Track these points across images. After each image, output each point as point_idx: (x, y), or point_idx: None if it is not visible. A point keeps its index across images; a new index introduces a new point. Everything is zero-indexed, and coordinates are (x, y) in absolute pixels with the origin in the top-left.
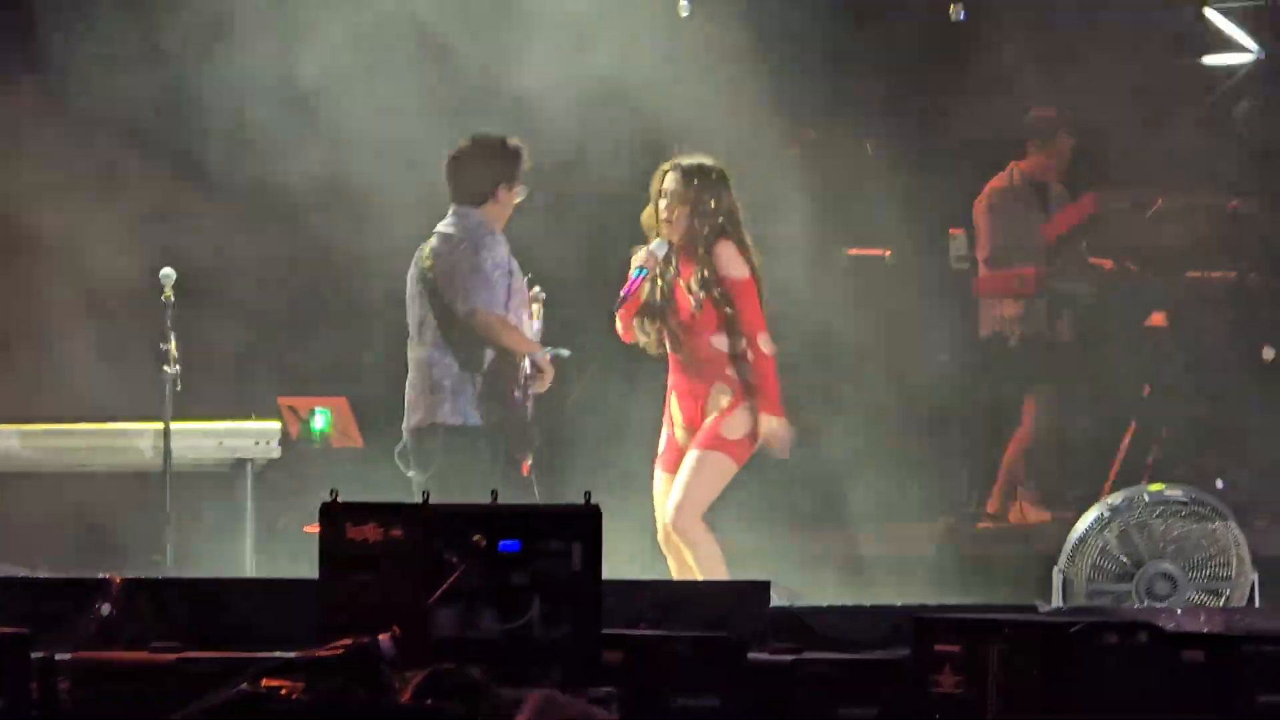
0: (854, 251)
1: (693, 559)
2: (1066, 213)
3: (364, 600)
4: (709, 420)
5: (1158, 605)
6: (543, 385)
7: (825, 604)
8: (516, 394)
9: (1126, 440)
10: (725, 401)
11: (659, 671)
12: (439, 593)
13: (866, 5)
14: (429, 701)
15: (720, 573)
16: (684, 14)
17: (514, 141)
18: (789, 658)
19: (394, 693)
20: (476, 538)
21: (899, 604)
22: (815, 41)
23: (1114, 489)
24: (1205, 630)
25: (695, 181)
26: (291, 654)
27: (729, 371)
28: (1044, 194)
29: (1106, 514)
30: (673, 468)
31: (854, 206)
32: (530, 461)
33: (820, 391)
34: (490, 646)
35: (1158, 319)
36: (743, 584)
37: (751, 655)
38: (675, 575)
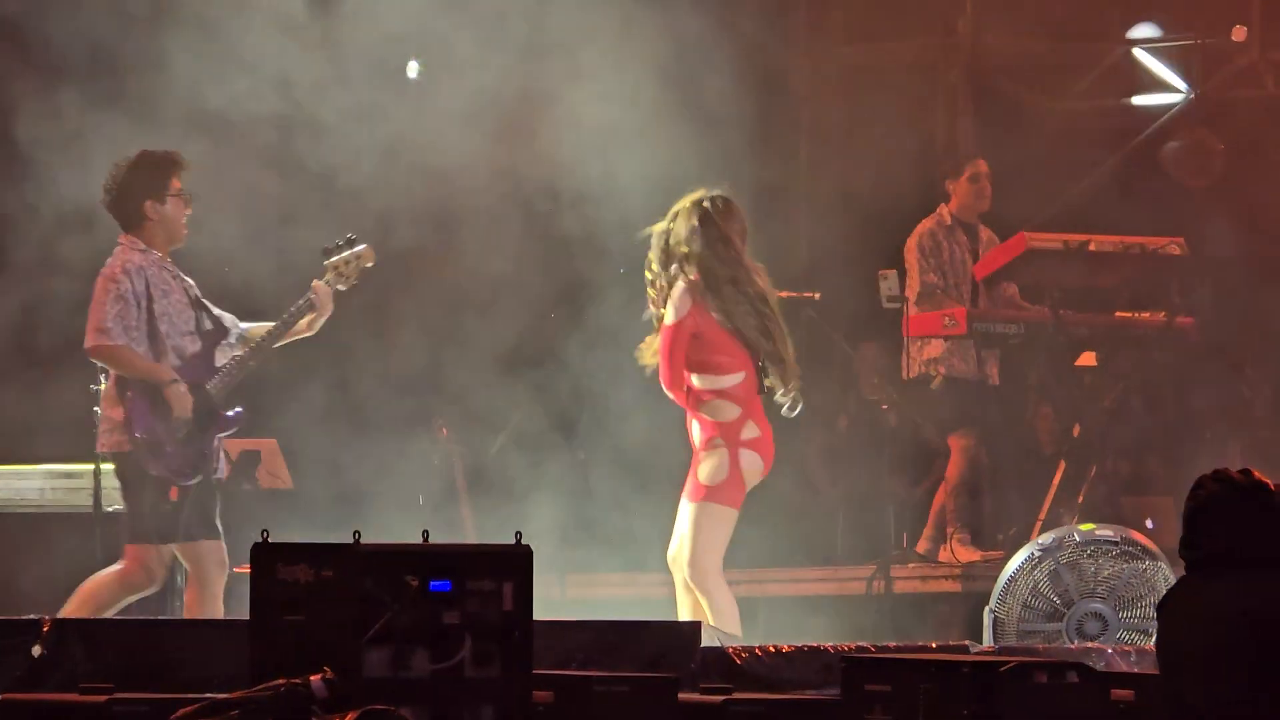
0: (783, 294)
1: (707, 608)
2: (995, 253)
3: (295, 640)
4: (691, 465)
5: (1088, 644)
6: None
7: (756, 644)
8: (162, 420)
9: (1057, 480)
10: (699, 440)
11: (590, 711)
12: (370, 633)
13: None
14: None
15: (732, 625)
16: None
17: (157, 152)
18: (720, 698)
19: None
20: (408, 578)
21: (830, 644)
22: (741, 80)
23: (1044, 529)
24: (1136, 669)
25: (668, 228)
26: (223, 695)
27: (700, 411)
28: (973, 234)
29: (1037, 554)
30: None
31: (782, 248)
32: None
33: None
34: (421, 686)
35: (1088, 359)
36: (675, 624)
37: (682, 696)
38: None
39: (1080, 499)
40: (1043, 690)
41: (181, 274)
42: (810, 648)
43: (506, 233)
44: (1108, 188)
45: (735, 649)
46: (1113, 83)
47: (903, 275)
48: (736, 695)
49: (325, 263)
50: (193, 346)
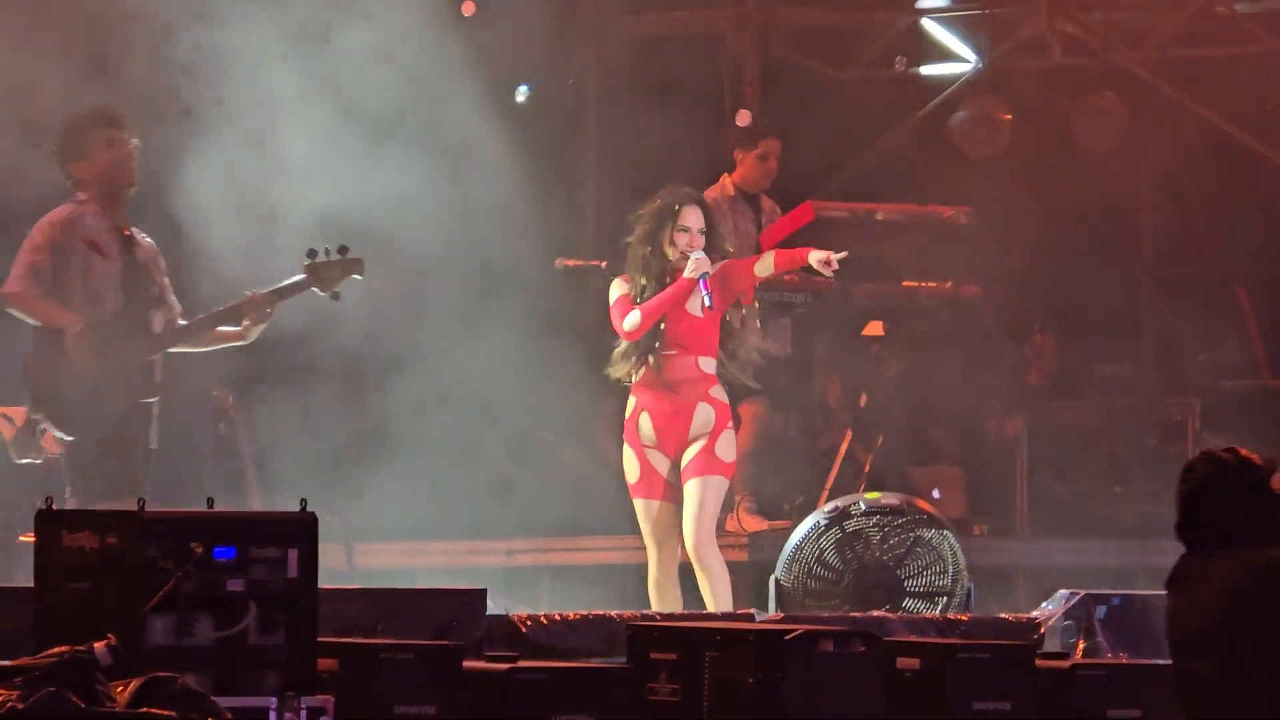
0: (568, 262)
1: (709, 582)
2: (782, 222)
3: (79, 608)
4: (700, 444)
5: (874, 613)
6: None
7: (542, 613)
8: (63, 371)
9: (843, 449)
10: (711, 423)
11: (375, 679)
12: (154, 601)
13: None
14: (144, 709)
15: (727, 595)
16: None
17: (75, 114)
18: (505, 666)
19: (109, 701)
20: (192, 545)
21: (615, 613)
22: (528, 49)
23: (830, 498)
24: (921, 638)
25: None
26: (4, 662)
27: (713, 393)
28: (755, 205)
29: (823, 522)
30: (660, 494)
31: (569, 217)
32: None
33: (540, 400)
34: (205, 654)
35: (874, 328)
36: (460, 592)
37: (468, 663)
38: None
39: (867, 468)
40: (828, 658)
41: (139, 235)
42: (596, 616)
43: None
44: (895, 157)
45: (520, 616)
46: (901, 52)
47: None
48: (522, 663)
49: (305, 263)
50: (114, 301)
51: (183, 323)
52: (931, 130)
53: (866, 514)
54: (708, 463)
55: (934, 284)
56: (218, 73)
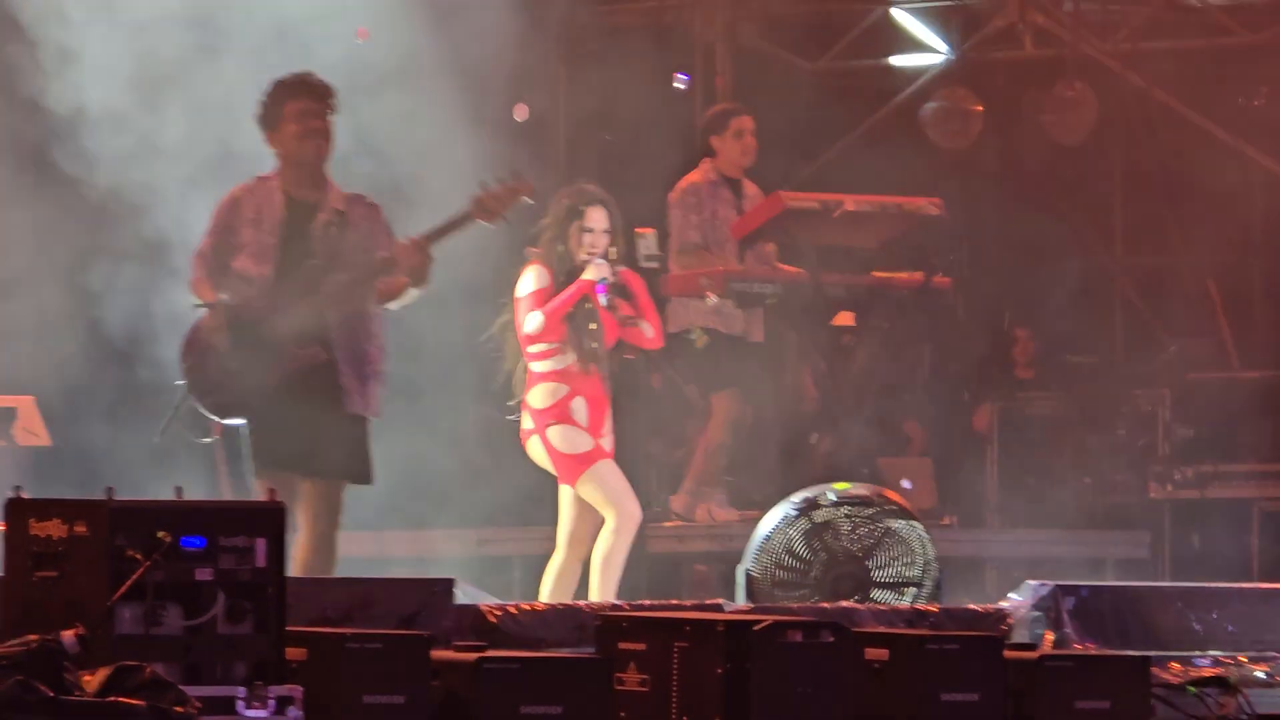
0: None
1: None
2: (753, 213)
3: (48, 597)
4: (610, 444)
5: (843, 603)
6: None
7: (511, 603)
8: (209, 347)
9: (813, 440)
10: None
11: (343, 668)
12: (122, 590)
13: None
14: (112, 698)
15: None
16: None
17: (275, 83)
18: (474, 655)
19: (77, 690)
20: (161, 534)
21: (584, 603)
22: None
23: (800, 488)
24: (889, 629)
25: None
26: None
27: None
28: (737, 190)
29: (792, 513)
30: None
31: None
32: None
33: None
34: (174, 643)
35: (845, 319)
36: (428, 581)
37: (436, 653)
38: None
39: (838, 459)
40: (797, 649)
41: (338, 201)
42: (565, 606)
43: None
44: (866, 148)
45: (489, 606)
46: (872, 43)
47: (663, 234)
48: (490, 653)
49: (474, 195)
50: (263, 276)
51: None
52: (902, 121)
53: (835, 504)
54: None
55: (904, 275)
56: None
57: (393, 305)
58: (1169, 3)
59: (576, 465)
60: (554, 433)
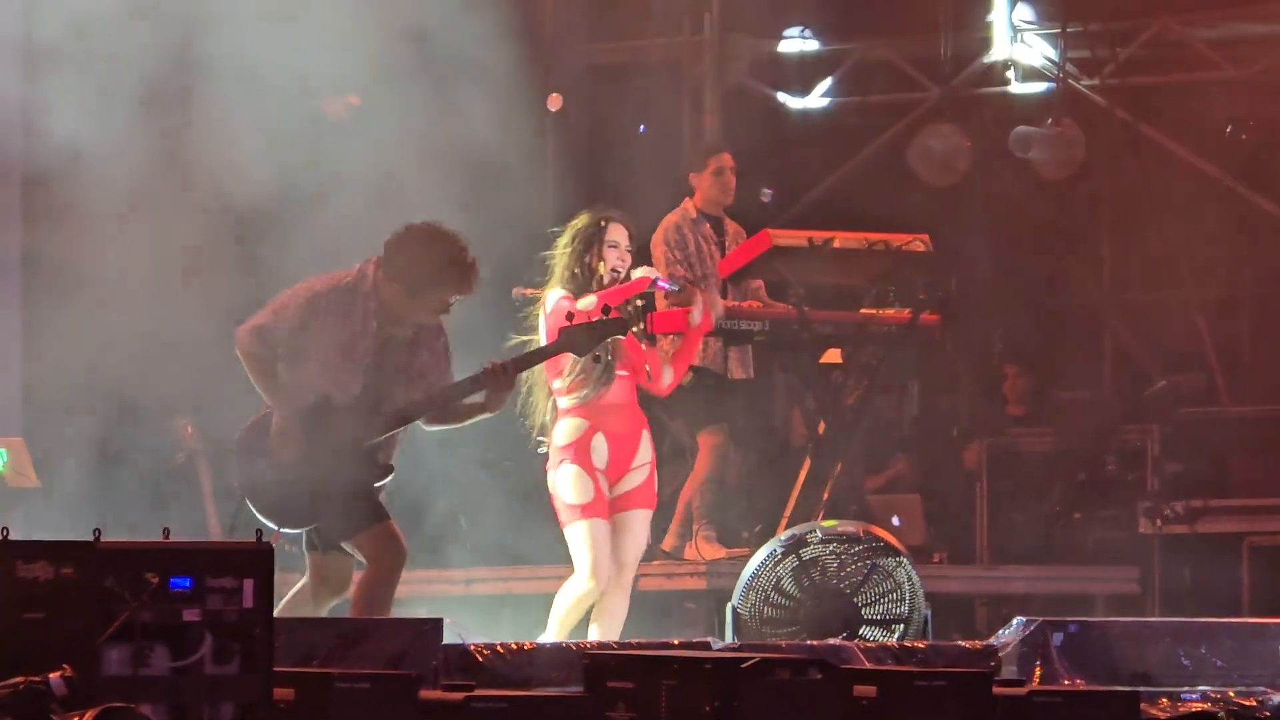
0: (525, 291)
1: (612, 618)
2: (740, 250)
3: (35, 638)
4: (643, 477)
5: (831, 641)
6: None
7: (499, 642)
8: (268, 450)
9: (802, 477)
10: (650, 453)
11: (331, 708)
12: (109, 631)
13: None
14: None
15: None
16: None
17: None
18: (461, 695)
19: None
20: (148, 575)
21: (573, 642)
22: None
23: (789, 526)
24: (878, 666)
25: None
26: None
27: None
28: (719, 227)
29: (780, 550)
30: (607, 514)
31: (527, 247)
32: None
33: (500, 430)
34: (161, 684)
35: (833, 356)
36: (416, 621)
37: (424, 693)
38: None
39: (825, 495)
40: (785, 687)
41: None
42: (553, 645)
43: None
44: (855, 185)
45: (477, 646)
46: (859, 80)
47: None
48: (479, 692)
49: (564, 327)
50: (353, 382)
51: (412, 401)
52: (890, 158)
53: (823, 542)
54: (651, 497)
55: (893, 312)
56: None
57: (455, 425)
58: (1156, 38)
59: (571, 512)
60: (563, 471)
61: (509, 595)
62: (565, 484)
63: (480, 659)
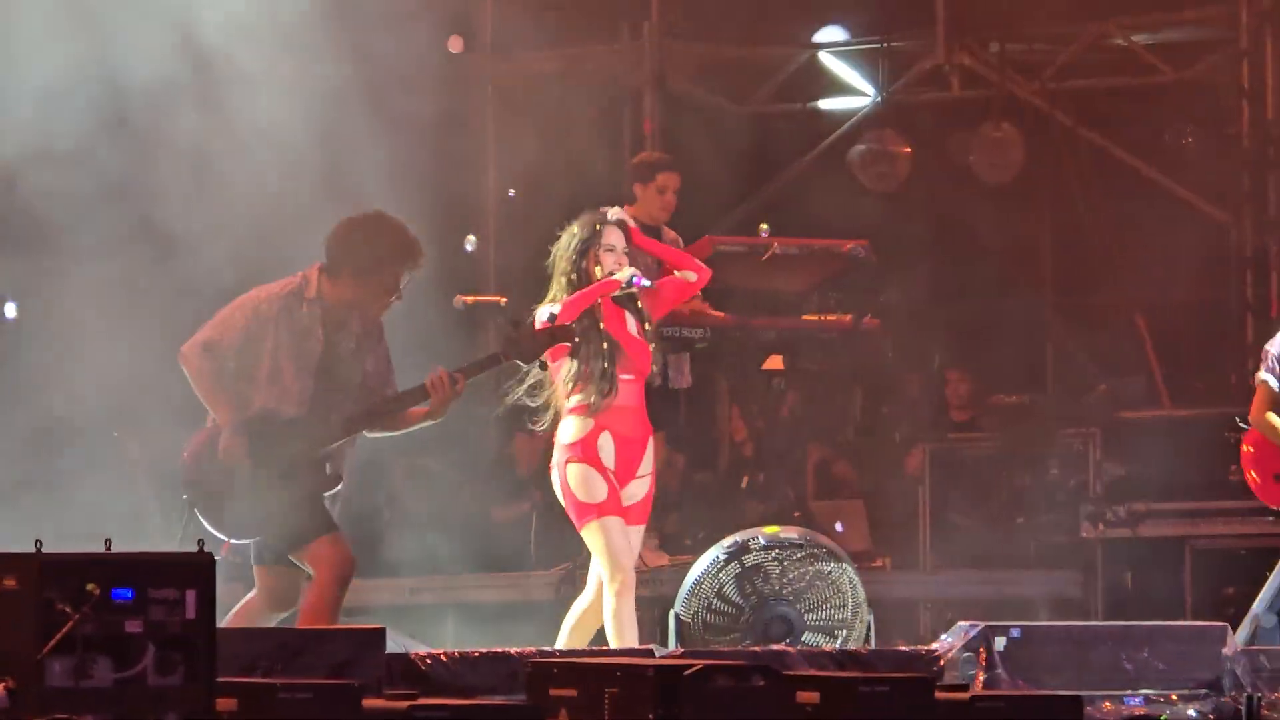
0: (469, 299)
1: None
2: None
3: None
4: (644, 490)
5: (774, 647)
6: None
7: (442, 650)
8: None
9: (745, 484)
10: (652, 463)
11: (274, 718)
12: (52, 643)
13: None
14: None
15: None
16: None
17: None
18: (405, 704)
19: None
20: (90, 586)
21: (515, 650)
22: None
23: (731, 532)
24: (820, 672)
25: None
26: None
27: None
28: (657, 236)
29: (722, 557)
30: (633, 518)
31: (469, 254)
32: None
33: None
34: (104, 695)
35: (775, 362)
36: (358, 630)
37: (367, 702)
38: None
39: (768, 502)
40: (728, 693)
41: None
42: (496, 653)
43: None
44: (795, 191)
45: (419, 655)
46: (799, 87)
47: None
48: (422, 701)
49: (507, 335)
50: (301, 391)
51: (357, 411)
52: (830, 164)
53: (766, 548)
54: (646, 513)
55: (834, 317)
56: None
57: (396, 432)
58: (1095, 42)
59: (584, 512)
60: (572, 471)
61: (452, 604)
62: (576, 483)
63: (423, 668)
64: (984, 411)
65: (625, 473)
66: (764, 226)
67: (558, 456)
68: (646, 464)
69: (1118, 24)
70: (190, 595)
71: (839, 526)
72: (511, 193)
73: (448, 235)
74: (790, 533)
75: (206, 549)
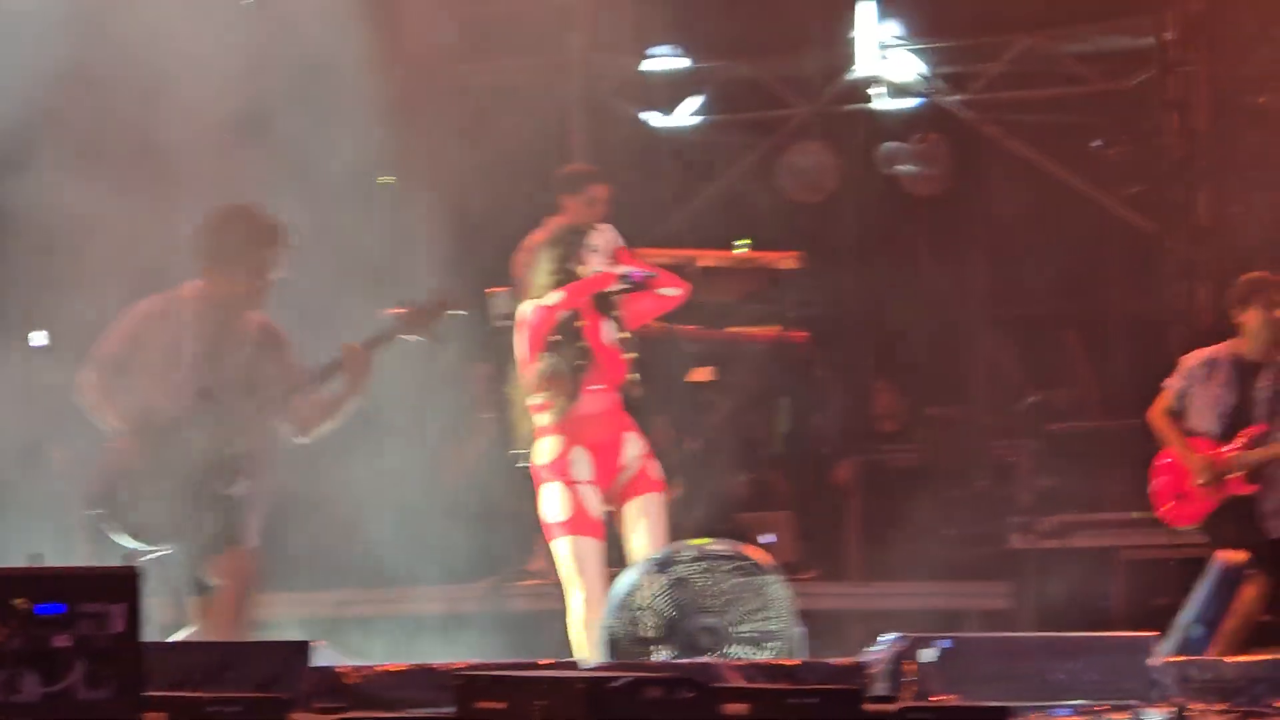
0: (395, 311)
1: None
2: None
3: None
4: (634, 469)
5: (702, 659)
6: None
7: (369, 664)
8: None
9: (674, 495)
10: (640, 451)
11: None
12: None
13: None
14: None
15: None
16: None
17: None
18: (332, 718)
19: None
20: (18, 601)
21: (442, 663)
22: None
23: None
24: (750, 684)
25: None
26: None
27: (631, 425)
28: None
29: (650, 569)
30: (590, 530)
31: (395, 265)
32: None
33: (368, 448)
34: (32, 710)
35: (702, 374)
36: (286, 644)
37: (294, 715)
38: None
39: (697, 514)
40: (656, 705)
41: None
42: (423, 667)
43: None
44: (723, 203)
45: (347, 668)
46: (727, 99)
47: (515, 292)
48: (349, 714)
49: (397, 311)
50: (189, 394)
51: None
52: (759, 176)
53: (694, 560)
54: (649, 481)
55: (762, 329)
56: None
57: (329, 426)
58: (1024, 52)
59: (551, 530)
60: (544, 490)
61: (380, 617)
62: (546, 502)
63: (351, 681)
64: (913, 423)
65: (609, 473)
66: (745, 242)
67: (537, 478)
68: (630, 451)
69: (1047, 35)
70: (118, 609)
71: (768, 538)
72: (385, 179)
73: (371, 243)
74: (718, 544)
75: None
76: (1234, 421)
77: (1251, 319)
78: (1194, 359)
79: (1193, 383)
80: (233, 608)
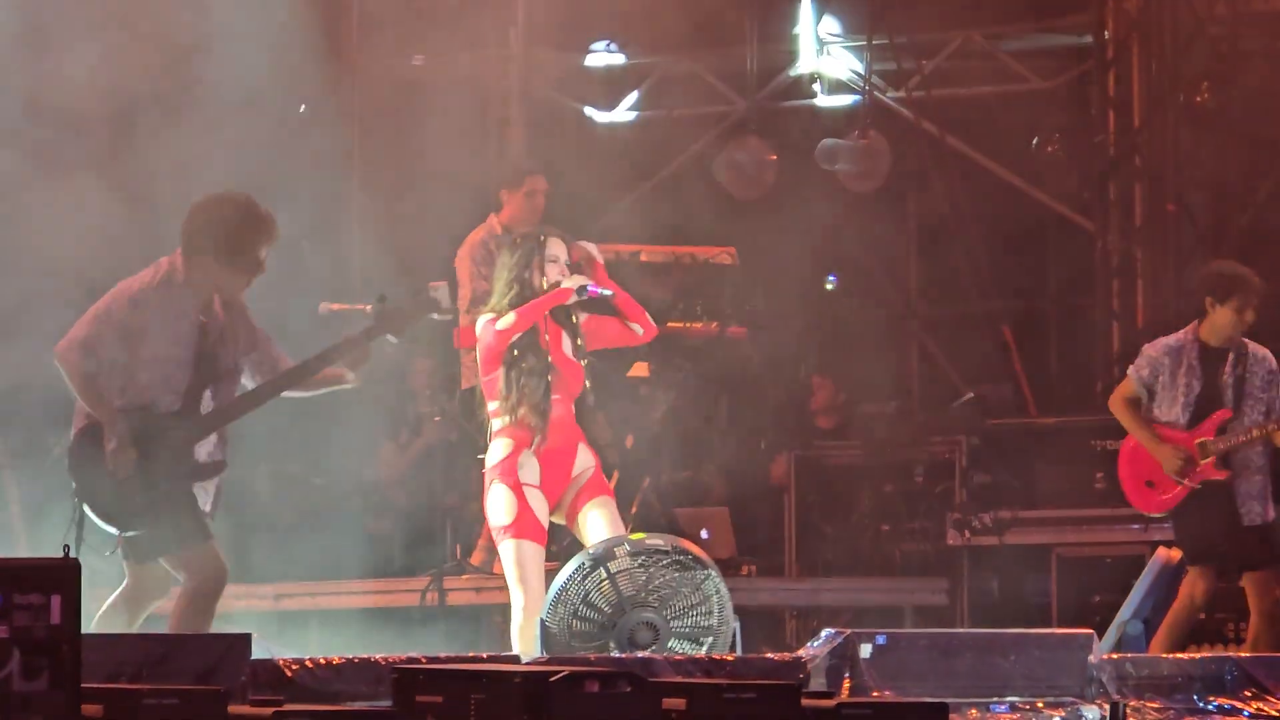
0: (335, 307)
1: None
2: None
3: None
4: (587, 477)
5: (640, 654)
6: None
7: (308, 656)
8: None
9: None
10: (591, 462)
11: None
12: None
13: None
14: None
15: None
16: None
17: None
18: (270, 710)
19: None
20: None
21: (380, 656)
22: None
23: None
24: (687, 678)
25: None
26: None
27: (584, 438)
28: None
29: (588, 563)
30: (533, 534)
31: (333, 260)
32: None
33: (306, 443)
34: None
35: (640, 369)
36: (224, 636)
37: (233, 708)
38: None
39: (634, 509)
40: (594, 700)
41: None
42: (361, 660)
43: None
44: (661, 198)
45: (285, 661)
46: (666, 94)
47: (454, 287)
48: (287, 707)
49: (377, 310)
50: (181, 380)
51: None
52: (696, 171)
53: (631, 555)
54: (602, 486)
55: (699, 325)
56: None
57: (308, 393)
58: (961, 50)
59: (496, 533)
60: (491, 491)
61: (317, 610)
62: (492, 504)
63: (289, 674)
64: (850, 419)
65: (559, 481)
66: (831, 277)
67: (486, 480)
68: (582, 462)
69: (985, 32)
70: (55, 600)
71: (704, 533)
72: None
73: (311, 237)
74: (655, 539)
75: (71, 554)
76: (1200, 409)
77: (1222, 316)
78: (1157, 347)
79: (1159, 371)
80: (198, 602)
